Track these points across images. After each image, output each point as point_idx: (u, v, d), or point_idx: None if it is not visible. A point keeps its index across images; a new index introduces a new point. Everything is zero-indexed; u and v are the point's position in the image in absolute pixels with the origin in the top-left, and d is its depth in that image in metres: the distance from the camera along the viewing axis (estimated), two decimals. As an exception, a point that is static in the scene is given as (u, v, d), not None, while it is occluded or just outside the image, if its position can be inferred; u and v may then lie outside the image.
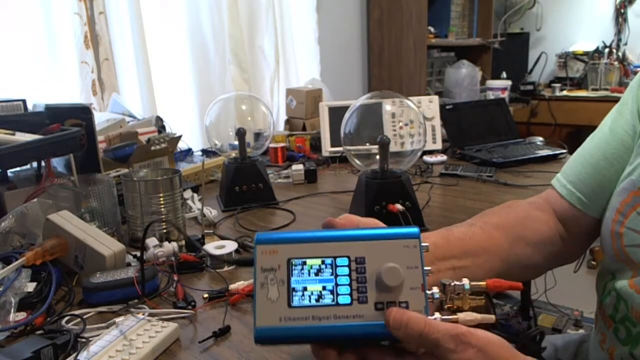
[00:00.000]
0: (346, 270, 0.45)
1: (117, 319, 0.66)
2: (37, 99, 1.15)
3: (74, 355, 0.58)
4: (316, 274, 0.45)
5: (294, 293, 0.44)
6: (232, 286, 0.73)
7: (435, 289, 0.46)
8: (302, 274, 0.45)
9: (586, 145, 0.68)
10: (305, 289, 0.44)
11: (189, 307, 0.70)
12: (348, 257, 0.45)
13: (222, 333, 0.64)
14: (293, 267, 0.45)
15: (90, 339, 0.62)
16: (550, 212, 0.69)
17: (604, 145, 0.64)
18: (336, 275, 0.45)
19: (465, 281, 0.47)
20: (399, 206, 0.93)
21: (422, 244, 0.46)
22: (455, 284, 0.47)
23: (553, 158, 1.49)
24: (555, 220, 0.68)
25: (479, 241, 0.61)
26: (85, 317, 0.67)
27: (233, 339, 0.64)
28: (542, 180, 1.26)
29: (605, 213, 0.61)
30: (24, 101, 1.06)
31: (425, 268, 0.45)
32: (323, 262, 0.45)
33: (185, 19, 1.82)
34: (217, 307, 0.72)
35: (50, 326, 0.66)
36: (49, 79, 1.46)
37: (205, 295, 0.73)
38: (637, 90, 0.62)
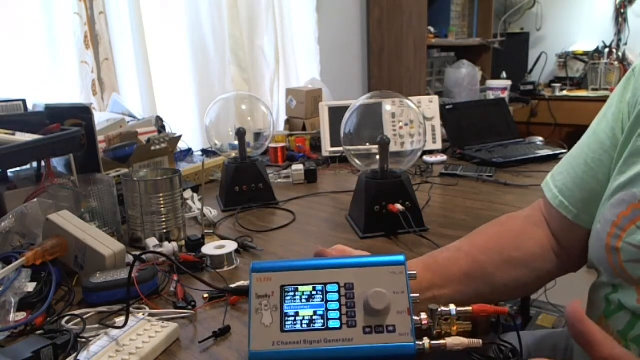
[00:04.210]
0: (336, 296, 0.48)
1: (117, 319, 0.66)
2: (37, 99, 1.15)
3: (74, 355, 0.58)
4: (307, 300, 0.48)
5: (286, 318, 0.47)
6: (232, 286, 0.73)
7: (423, 315, 0.49)
8: (295, 300, 0.48)
9: (574, 149, 0.65)
10: (297, 314, 0.47)
11: (189, 307, 0.70)
12: (338, 283, 0.48)
13: (222, 333, 0.64)
14: (286, 293, 0.48)
15: (90, 339, 0.62)
16: (545, 225, 0.67)
17: (585, 150, 0.62)
18: (326, 301, 0.48)
19: (452, 307, 0.49)
20: (399, 206, 0.93)
21: (410, 272, 0.49)
22: (442, 310, 0.49)
23: (553, 158, 1.49)
24: (550, 235, 0.66)
25: (462, 267, 0.61)
26: (85, 317, 0.67)
27: (233, 339, 0.64)
28: (542, 181, 1.26)
29: (597, 225, 0.57)
30: (24, 101, 1.06)
31: (412, 295, 0.48)
32: (314, 289, 0.48)
33: (185, 19, 1.82)
34: (217, 307, 0.72)
35: (50, 326, 0.66)
36: (49, 79, 1.46)
37: (205, 295, 0.73)
38: (623, 93, 0.59)
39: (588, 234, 0.61)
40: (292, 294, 0.48)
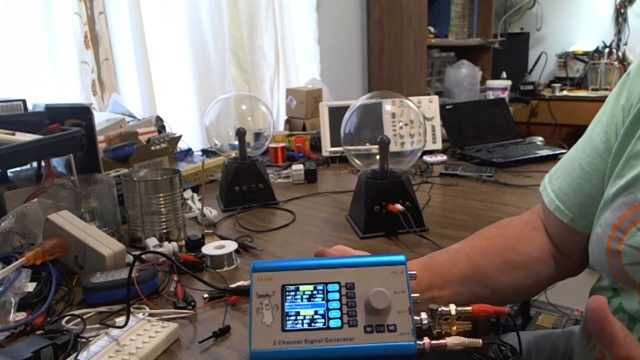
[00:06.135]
0: (337, 296, 0.48)
1: (117, 319, 0.66)
2: (37, 99, 1.15)
3: (74, 355, 0.58)
4: (309, 300, 0.48)
5: (287, 318, 0.47)
6: (232, 286, 0.73)
7: (424, 315, 0.49)
8: (296, 299, 0.48)
9: (570, 151, 0.66)
10: (298, 313, 0.47)
11: (189, 307, 0.70)
12: (339, 282, 0.48)
13: (222, 333, 0.64)
14: (287, 292, 0.48)
15: (90, 339, 0.62)
16: (543, 230, 0.67)
17: (580, 153, 0.62)
18: (327, 300, 0.47)
19: (452, 307, 0.49)
20: (399, 206, 0.93)
21: (410, 272, 0.49)
22: (442, 309, 0.49)
23: (553, 158, 1.49)
24: (548, 240, 0.66)
25: (461, 269, 0.61)
26: (85, 317, 0.67)
27: (233, 339, 0.64)
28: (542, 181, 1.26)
29: (597, 229, 0.57)
30: (24, 101, 1.06)
31: (413, 295, 0.48)
32: (315, 288, 0.48)
33: (185, 19, 1.82)
34: (217, 307, 0.72)
35: (50, 326, 0.66)
36: (49, 79, 1.46)
37: (205, 295, 0.73)
38: (617, 97, 0.58)
39: (585, 238, 0.60)
40: (293, 293, 0.48)
